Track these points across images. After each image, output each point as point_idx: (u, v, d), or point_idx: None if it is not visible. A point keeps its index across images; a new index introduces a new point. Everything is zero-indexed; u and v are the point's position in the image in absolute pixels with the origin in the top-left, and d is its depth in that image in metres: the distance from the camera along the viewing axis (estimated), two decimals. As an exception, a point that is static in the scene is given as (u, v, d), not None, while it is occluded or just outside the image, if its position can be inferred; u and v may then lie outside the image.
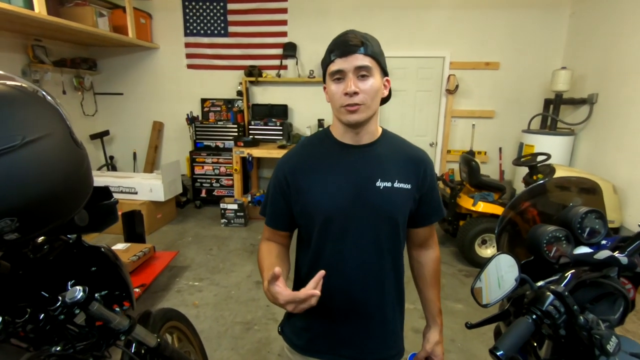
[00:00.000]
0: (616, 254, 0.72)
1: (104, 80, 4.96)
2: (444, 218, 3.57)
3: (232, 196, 4.49)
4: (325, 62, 0.86)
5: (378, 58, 0.85)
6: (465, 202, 3.26)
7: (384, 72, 0.88)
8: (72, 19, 3.48)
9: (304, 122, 4.79)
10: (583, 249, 0.79)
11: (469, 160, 3.34)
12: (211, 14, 4.66)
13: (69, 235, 0.85)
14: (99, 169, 4.89)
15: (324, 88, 0.90)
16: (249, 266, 3.17)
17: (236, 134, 4.67)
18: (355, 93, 0.82)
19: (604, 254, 0.72)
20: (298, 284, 1.04)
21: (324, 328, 0.98)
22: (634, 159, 3.28)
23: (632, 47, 3.36)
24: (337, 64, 0.82)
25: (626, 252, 0.72)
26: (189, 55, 4.82)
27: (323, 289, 0.96)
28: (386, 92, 0.90)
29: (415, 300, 1.09)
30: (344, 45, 0.82)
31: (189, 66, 4.85)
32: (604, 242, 0.81)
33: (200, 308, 2.54)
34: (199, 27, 4.72)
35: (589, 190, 0.94)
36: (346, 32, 0.85)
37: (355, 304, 0.94)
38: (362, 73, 0.82)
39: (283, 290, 0.76)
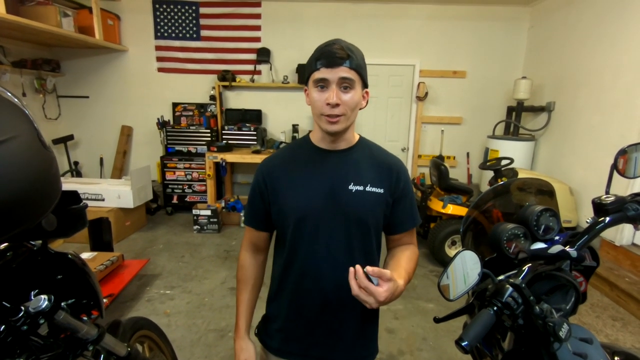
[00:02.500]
0: (567, 248, 0.79)
1: (68, 82, 4.75)
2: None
3: (205, 202, 4.41)
4: (310, 69, 0.88)
5: (361, 71, 0.88)
6: (436, 204, 3.37)
7: (365, 84, 0.92)
8: (33, 18, 3.32)
9: (278, 128, 4.79)
10: (539, 245, 0.86)
11: (438, 164, 3.46)
12: (183, 17, 4.59)
13: (33, 242, 0.82)
14: (63, 175, 4.66)
15: (305, 90, 0.93)
16: (222, 272, 3.12)
17: (209, 138, 4.59)
18: (337, 105, 0.85)
19: (556, 248, 0.78)
20: (274, 285, 1.06)
21: (297, 329, 1.00)
22: (587, 163, 3.53)
23: (583, 60, 3.64)
24: (322, 73, 0.85)
25: (576, 246, 0.79)
26: (159, 59, 4.72)
27: (297, 289, 0.98)
28: (364, 104, 0.94)
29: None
30: (330, 55, 0.84)
31: (160, 69, 4.75)
32: (557, 237, 0.88)
33: (172, 317, 2.48)
34: (170, 31, 4.63)
35: (544, 190, 1.01)
36: (333, 42, 0.87)
37: (327, 305, 0.96)
38: (344, 84, 0.86)
39: None
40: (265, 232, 1.04)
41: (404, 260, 0.96)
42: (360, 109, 0.93)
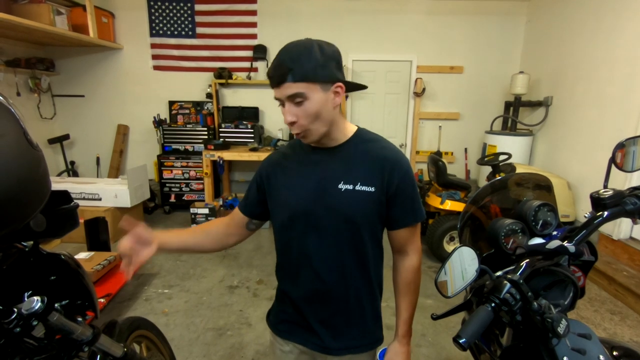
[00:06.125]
0: (565, 243, 0.78)
1: (63, 81, 4.71)
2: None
3: (203, 200, 4.40)
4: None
5: (311, 79, 0.82)
6: (434, 200, 3.37)
7: (330, 81, 0.85)
8: (26, 16, 3.29)
9: (275, 125, 4.77)
10: (537, 240, 0.85)
11: (436, 160, 3.46)
12: (178, 15, 4.55)
13: (24, 243, 0.80)
14: (59, 174, 4.63)
15: None
16: (221, 271, 3.11)
17: (206, 137, 4.57)
18: (293, 122, 0.85)
19: (554, 243, 0.77)
20: (276, 273, 1.11)
21: (296, 314, 1.03)
22: (584, 157, 3.53)
23: (580, 54, 3.63)
24: (275, 92, 0.86)
25: (574, 241, 0.78)
26: (155, 57, 4.68)
27: (292, 282, 1.02)
28: (338, 100, 0.89)
29: (387, 298, 1.11)
30: (274, 73, 0.83)
31: (155, 67, 4.71)
32: (554, 232, 0.87)
33: (170, 316, 2.47)
34: (165, 28, 4.59)
35: (542, 185, 1.01)
36: (278, 54, 0.84)
37: (318, 296, 0.99)
38: (295, 100, 0.83)
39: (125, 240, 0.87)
40: (244, 216, 1.07)
41: (406, 293, 1.03)
42: (335, 106, 0.88)
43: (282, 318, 1.07)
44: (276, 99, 0.87)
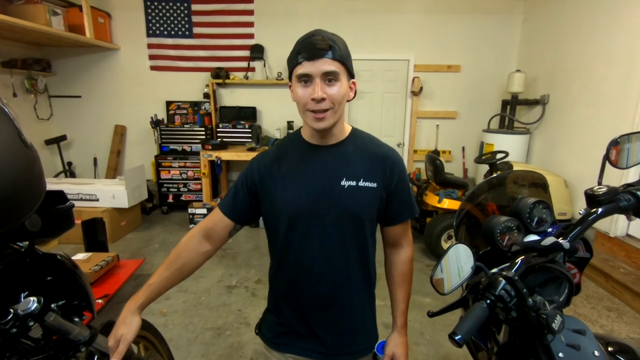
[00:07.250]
0: (560, 239, 0.78)
1: (60, 82, 4.69)
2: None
3: (201, 200, 4.39)
4: (292, 63, 0.85)
5: (345, 62, 0.84)
6: (431, 199, 3.38)
7: (351, 75, 0.88)
8: (22, 17, 3.28)
9: (273, 124, 4.77)
10: (532, 237, 0.85)
11: (434, 159, 3.46)
12: (174, 15, 4.54)
13: (20, 243, 0.80)
14: (56, 175, 4.62)
15: (290, 86, 0.90)
16: (219, 271, 3.11)
17: (204, 137, 4.57)
18: (323, 99, 0.82)
19: (549, 240, 0.78)
20: (271, 280, 1.06)
21: (294, 323, 0.99)
22: (581, 155, 3.55)
23: (576, 52, 3.64)
24: (304, 67, 0.81)
25: (568, 238, 0.79)
26: (152, 57, 4.67)
27: (292, 285, 0.98)
28: (352, 95, 0.90)
29: (385, 297, 1.11)
30: (311, 48, 0.80)
31: (153, 68, 4.70)
32: (550, 229, 0.88)
33: (168, 316, 2.47)
34: (162, 28, 4.58)
35: (537, 183, 1.01)
36: (313, 33, 0.83)
37: (323, 300, 0.96)
38: (329, 77, 0.82)
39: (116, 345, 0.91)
40: (230, 222, 0.98)
41: (402, 284, 1.05)
42: (347, 100, 0.90)
43: (279, 330, 1.02)
44: (301, 75, 0.82)
